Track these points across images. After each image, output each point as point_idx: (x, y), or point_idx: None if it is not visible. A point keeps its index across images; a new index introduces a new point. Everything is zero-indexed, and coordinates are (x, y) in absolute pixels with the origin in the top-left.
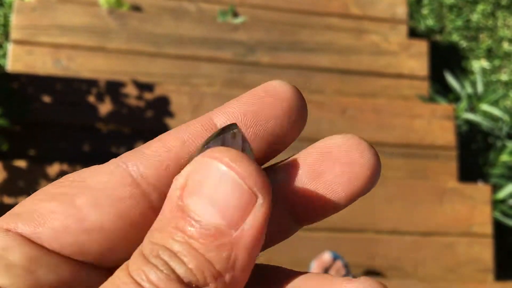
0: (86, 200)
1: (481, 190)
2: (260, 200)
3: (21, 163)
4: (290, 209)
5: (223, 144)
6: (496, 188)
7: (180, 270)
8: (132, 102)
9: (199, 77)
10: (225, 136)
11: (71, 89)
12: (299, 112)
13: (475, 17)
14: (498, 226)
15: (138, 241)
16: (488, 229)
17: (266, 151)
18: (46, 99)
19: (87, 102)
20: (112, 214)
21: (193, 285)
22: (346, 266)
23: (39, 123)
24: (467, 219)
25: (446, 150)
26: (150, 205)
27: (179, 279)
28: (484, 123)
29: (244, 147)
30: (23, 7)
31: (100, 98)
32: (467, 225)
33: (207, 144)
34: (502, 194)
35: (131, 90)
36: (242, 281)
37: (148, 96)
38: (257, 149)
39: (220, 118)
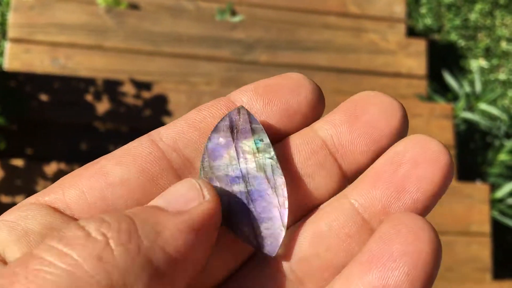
0: (109, 160)
1: (479, 189)
2: (207, 198)
3: (18, 162)
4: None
5: (231, 121)
6: (494, 187)
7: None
8: (130, 100)
9: (197, 76)
10: (231, 114)
11: (68, 88)
12: (312, 91)
13: (473, 16)
14: (496, 225)
15: (159, 192)
16: (486, 228)
17: (285, 122)
18: (44, 97)
19: (84, 101)
20: (134, 170)
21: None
22: None
23: (36, 122)
24: (465, 218)
25: (445, 148)
26: (169, 164)
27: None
28: (482, 122)
29: (251, 120)
30: (20, 5)
31: (97, 97)
32: (465, 224)
33: (217, 123)
34: (500, 193)
35: (129, 88)
36: (171, 263)
37: (146, 94)
38: (274, 120)
39: (236, 96)
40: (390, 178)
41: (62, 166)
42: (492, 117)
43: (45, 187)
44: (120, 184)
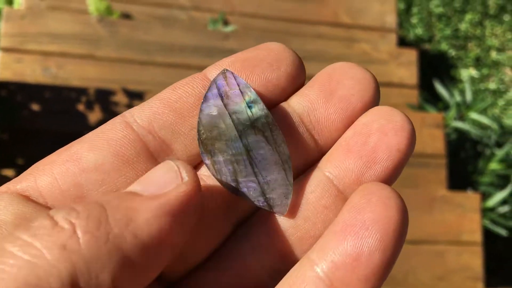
0: (82, 145)
1: (470, 198)
2: (185, 179)
3: (8, 172)
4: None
5: (219, 88)
6: (485, 196)
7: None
8: (122, 110)
9: None
10: (216, 79)
11: (60, 97)
12: (292, 64)
13: (463, 26)
14: (488, 234)
15: (137, 178)
16: (478, 237)
17: (264, 97)
18: (35, 107)
19: (76, 110)
20: (108, 154)
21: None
22: None
23: (27, 131)
24: (456, 227)
25: (436, 158)
26: (145, 147)
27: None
28: (473, 131)
29: (238, 82)
30: (12, 15)
31: (89, 106)
32: (457, 233)
33: (206, 93)
34: (491, 202)
35: (121, 98)
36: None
37: (138, 104)
38: (258, 94)
39: (212, 71)
40: (361, 149)
41: None
42: (482, 126)
43: None
44: (94, 169)
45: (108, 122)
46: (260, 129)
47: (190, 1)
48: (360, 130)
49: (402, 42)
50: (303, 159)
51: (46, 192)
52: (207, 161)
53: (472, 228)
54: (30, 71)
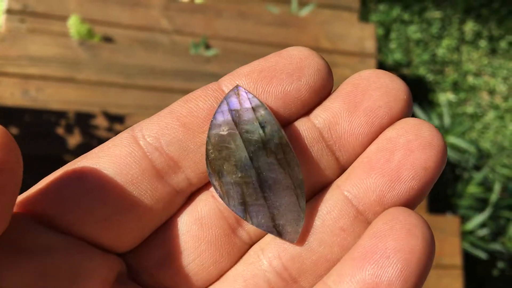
0: (88, 161)
1: (450, 221)
2: None
3: None
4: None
5: (230, 105)
6: (464, 219)
7: None
8: (102, 133)
9: None
10: (228, 96)
11: (39, 121)
12: (316, 73)
13: (440, 51)
14: (467, 257)
15: (141, 198)
16: (458, 260)
17: (282, 112)
18: (14, 130)
19: (55, 134)
20: (112, 172)
21: None
22: None
23: None
24: (437, 251)
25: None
26: (151, 164)
27: None
28: (452, 155)
29: (251, 99)
30: None
31: (69, 130)
32: (437, 257)
33: (216, 111)
34: (470, 225)
35: (101, 121)
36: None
37: (118, 127)
38: (274, 108)
39: (227, 82)
40: (384, 167)
41: None
42: (460, 150)
43: None
44: (97, 188)
45: (116, 136)
46: (273, 151)
47: (172, 25)
48: (384, 145)
49: (381, 67)
50: (322, 178)
51: (50, 210)
52: (215, 182)
53: (452, 251)
54: (9, 94)
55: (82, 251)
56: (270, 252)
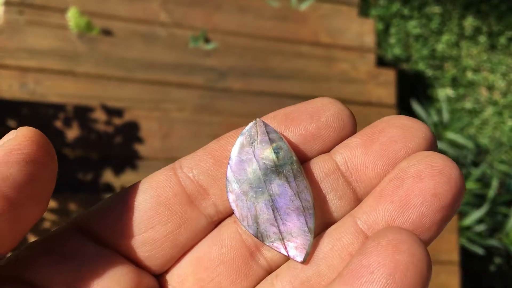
0: (136, 186)
1: None
2: (14, 134)
3: None
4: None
5: (250, 134)
6: (462, 215)
7: None
8: (101, 127)
9: (170, 103)
10: (248, 127)
11: (37, 114)
12: (335, 115)
13: (440, 47)
14: (465, 253)
15: (172, 218)
16: (455, 256)
17: (303, 148)
18: (12, 123)
19: (54, 127)
20: (149, 195)
21: None
22: None
23: None
24: (434, 247)
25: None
26: (183, 189)
27: None
28: (450, 151)
29: (268, 130)
30: None
31: (67, 123)
32: (434, 253)
33: (237, 139)
34: (468, 221)
35: (99, 115)
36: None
37: (117, 121)
38: (292, 146)
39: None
40: (393, 194)
41: None
42: (459, 146)
43: None
44: (136, 208)
45: (162, 168)
46: (284, 175)
47: (171, 18)
48: (396, 175)
49: (380, 62)
50: (338, 208)
51: (100, 228)
52: (232, 202)
53: (449, 247)
54: (7, 86)
55: (117, 263)
56: (283, 278)
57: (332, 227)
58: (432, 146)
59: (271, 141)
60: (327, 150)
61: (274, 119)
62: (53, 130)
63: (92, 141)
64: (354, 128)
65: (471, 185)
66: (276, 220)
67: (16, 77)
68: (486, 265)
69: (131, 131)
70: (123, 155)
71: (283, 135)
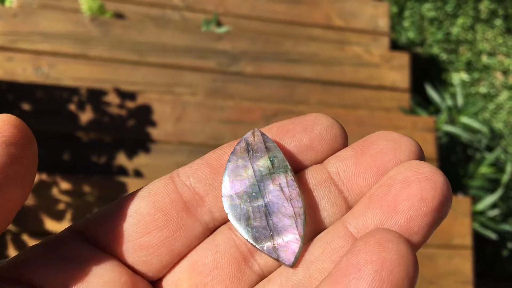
0: (134, 194)
1: (461, 202)
2: None
3: None
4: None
5: (247, 142)
6: (475, 199)
7: None
8: (114, 110)
9: (182, 86)
10: (246, 136)
11: (51, 97)
12: (327, 128)
13: (455, 30)
14: (477, 238)
15: (168, 224)
16: (468, 241)
17: (296, 159)
18: (26, 107)
19: (67, 110)
20: (147, 201)
21: None
22: None
23: None
24: (447, 231)
25: (427, 161)
26: (180, 197)
27: None
28: (464, 135)
29: (265, 139)
30: (3, 13)
31: (81, 106)
32: (447, 237)
33: (235, 146)
34: (481, 205)
35: (113, 98)
36: None
37: (130, 104)
38: (289, 153)
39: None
40: (381, 199)
41: (44, 176)
42: (473, 130)
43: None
44: (134, 214)
45: (161, 177)
46: (278, 182)
47: (183, 1)
48: (385, 182)
49: (394, 46)
50: (330, 216)
51: (100, 234)
52: (226, 205)
53: (462, 231)
54: (21, 70)
55: (114, 267)
56: (275, 282)
57: (323, 232)
58: (420, 159)
59: (268, 149)
60: (320, 161)
61: (270, 131)
62: (67, 113)
63: (106, 124)
64: (345, 141)
65: (484, 169)
66: (268, 225)
67: (30, 61)
68: (499, 250)
69: (144, 115)
70: (136, 138)
71: (279, 144)
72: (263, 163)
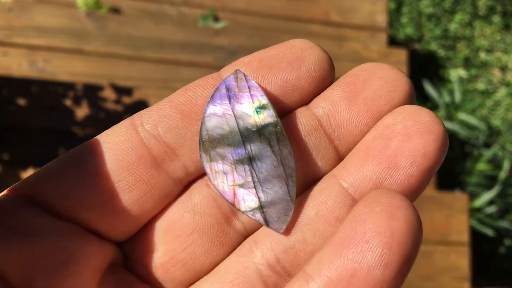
0: (87, 148)
1: (458, 198)
2: None
3: None
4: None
5: (228, 88)
6: (472, 196)
7: None
8: (110, 106)
9: (179, 82)
10: (226, 79)
11: (47, 92)
12: (316, 63)
13: (453, 26)
14: (474, 234)
15: (137, 184)
16: (465, 237)
17: (282, 100)
18: (21, 102)
19: (63, 105)
20: (108, 158)
21: None
22: None
23: (14, 126)
24: (444, 228)
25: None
26: (148, 151)
27: None
28: (461, 132)
29: (250, 85)
30: None
31: (77, 101)
32: (444, 234)
33: (213, 92)
34: (478, 202)
35: (109, 94)
36: None
37: (126, 100)
38: (270, 97)
39: (228, 72)
40: (380, 154)
41: None
42: (470, 127)
43: None
44: (94, 173)
45: (117, 124)
46: (267, 138)
47: None
48: (381, 132)
49: (392, 42)
50: (319, 168)
51: (50, 196)
52: (206, 164)
53: (459, 228)
54: (16, 65)
55: (77, 236)
56: (263, 244)
57: (315, 189)
58: (413, 100)
59: (253, 97)
60: (306, 102)
61: (250, 65)
62: (62, 108)
63: (102, 119)
64: (333, 76)
65: (482, 166)
66: (255, 188)
67: (25, 56)
68: (496, 246)
69: (140, 110)
70: None
71: (263, 87)
72: (248, 113)
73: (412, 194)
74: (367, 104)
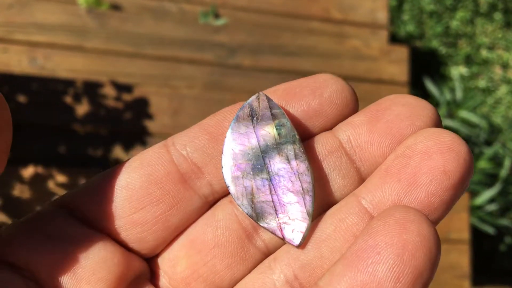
0: (122, 165)
1: None
2: None
3: None
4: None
5: (251, 107)
6: (473, 194)
7: None
8: (110, 103)
9: (180, 79)
10: (250, 101)
11: (47, 89)
12: (338, 92)
13: (454, 24)
14: (475, 232)
15: (164, 198)
16: (466, 235)
17: (305, 124)
18: (21, 99)
19: (63, 102)
20: (139, 174)
21: None
22: None
23: (13, 123)
24: (445, 226)
25: None
26: (176, 168)
27: None
28: (462, 129)
29: (270, 105)
30: None
31: (77, 98)
32: (445, 232)
33: (238, 113)
34: (479, 200)
35: (109, 90)
36: None
37: (126, 97)
38: (293, 122)
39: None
40: (400, 172)
41: (39, 169)
42: (472, 125)
43: (21, 191)
44: (125, 187)
45: (154, 145)
46: (285, 154)
47: None
48: (402, 152)
49: (393, 39)
50: (341, 187)
51: (85, 207)
52: (227, 178)
53: (460, 226)
54: (16, 61)
55: (105, 246)
56: (282, 261)
57: (335, 207)
58: (438, 126)
59: (274, 117)
60: (330, 127)
61: (275, 93)
62: (62, 105)
63: (102, 117)
64: (356, 105)
65: (483, 164)
66: (273, 200)
67: (25, 52)
68: (497, 244)
69: (141, 107)
70: (132, 131)
71: (286, 111)
72: (268, 131)
73: (435, 212)
74: (388, 127)
